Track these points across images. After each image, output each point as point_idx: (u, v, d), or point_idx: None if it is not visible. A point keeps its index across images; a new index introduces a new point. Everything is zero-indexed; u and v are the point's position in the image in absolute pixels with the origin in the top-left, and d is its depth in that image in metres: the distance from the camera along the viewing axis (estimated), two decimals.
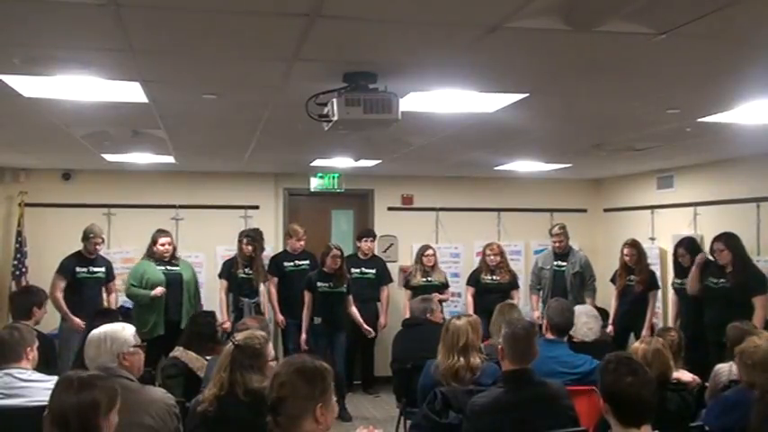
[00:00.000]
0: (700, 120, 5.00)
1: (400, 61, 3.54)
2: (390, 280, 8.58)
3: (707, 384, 4.56)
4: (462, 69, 3.70)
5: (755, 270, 6.50)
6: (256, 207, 9.05)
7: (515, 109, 4.58)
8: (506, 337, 3.73)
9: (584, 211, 9.87)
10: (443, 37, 3.13)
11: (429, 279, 8.29)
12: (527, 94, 4.23)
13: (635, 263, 7.58)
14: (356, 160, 7.59)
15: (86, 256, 7.39)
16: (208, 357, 4.64)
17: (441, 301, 7.41)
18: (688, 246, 7.06)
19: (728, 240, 6.54)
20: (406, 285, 8.40)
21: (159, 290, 7.26)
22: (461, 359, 4.38)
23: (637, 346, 4.16)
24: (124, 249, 8.58)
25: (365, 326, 7.71)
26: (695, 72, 3.74)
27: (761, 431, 2.88)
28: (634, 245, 7.65)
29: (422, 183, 9.47)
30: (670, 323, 7.32)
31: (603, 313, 7.85)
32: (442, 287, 8.32)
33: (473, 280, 8.32)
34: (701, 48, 3.24)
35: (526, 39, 3.09)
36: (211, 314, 5.36)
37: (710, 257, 6.72)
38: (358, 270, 8.23)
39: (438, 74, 3.81)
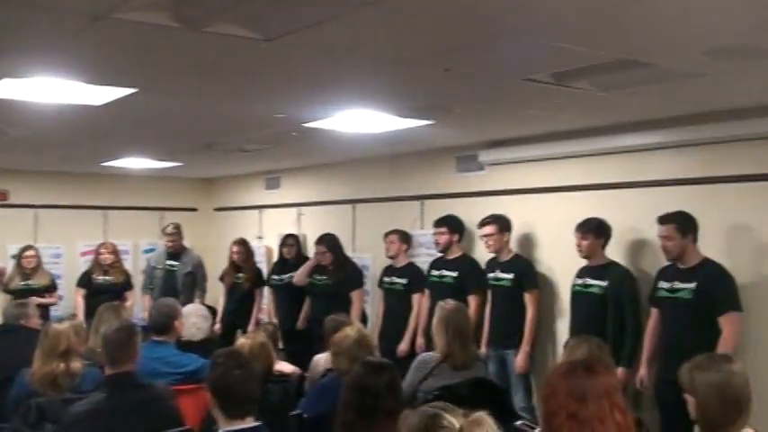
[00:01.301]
0: (304, 125, 5.30)
1: None
2: None
3: (307, 374, 4.85)
4: (66, 57, 3.47)
5: (353, 266, 7.10)
6: None
7: (124, 104, 4.42)
8: (104, 340, 3.62)
9: (195, 210, 9.90)
10: (45, 21, 2.90)
11: (28, 282, 7.65)
12: (136, 90, 4.11)
13: (243, 261, 7.79)
14: None
15: None
16: None
17: (45, 305, 6.92)
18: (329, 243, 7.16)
19: (329, 242, 7.06)
20: (5, 290, 7.67)
21: None
22: (62, 365, 4.10)
23: (243, 341, 4.27)
24: None
25: None
26: (299, 79, 3.95)
27: (343, 413, 3.13)
28: (242, 243, 7.87)
29: (19, 177, 8.73)
30: (273, 318, 7.68)
31: (213, 311, 7.95)
32: (46, 290, 7.74)
33: (84, 281, 7.89)
34: (303, 57, 3.42)
35: (134, 32, 2.99)
36: None
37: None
38: None
39: (38, 60, 3.52)
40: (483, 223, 5.85)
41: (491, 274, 5.90)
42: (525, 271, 5.76)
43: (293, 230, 8.14)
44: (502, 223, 5.81)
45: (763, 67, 3.58)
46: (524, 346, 5.60)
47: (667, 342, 4.72)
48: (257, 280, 7.87)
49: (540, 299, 5.70)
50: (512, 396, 5.42)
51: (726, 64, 3.50)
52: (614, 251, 5.26)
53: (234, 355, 3.24)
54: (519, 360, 5.59)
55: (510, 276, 5.74)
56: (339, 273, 6.95)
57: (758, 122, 4.55)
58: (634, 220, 5.28)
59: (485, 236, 5.84)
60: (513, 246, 5.95)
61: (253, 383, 3.05)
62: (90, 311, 7.01)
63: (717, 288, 4.51)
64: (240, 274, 7.80)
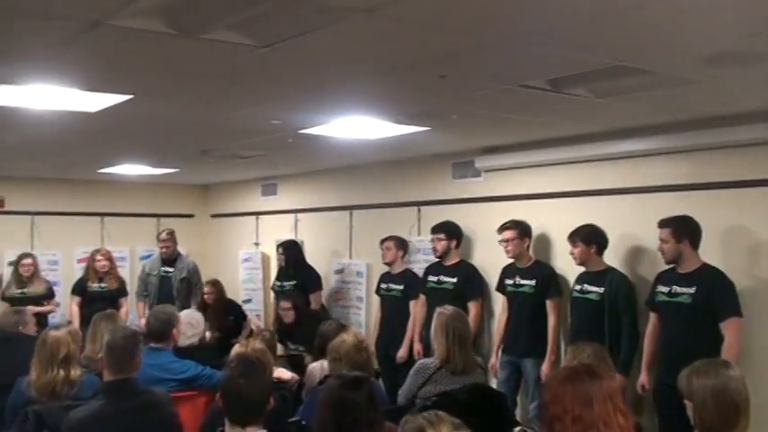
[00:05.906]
0: (300, 131, 5.30)
1: None
2: None
3: (305, 381, 4.85)
4: (62, 64, 3.47)
5: (310, 270, 7.37)
6: None
7: (120, 110, 4.42)
8: (107, 346, 3.60)
9: (192, 216, 9.89)
10: (42, 28, 2.90)
11: (24, 291, 7.57)
12: (131, 96, 4.11)
13: (214, 301, 7.75)
14: None
15: None
16: None
17: (44, 314, 6.89)
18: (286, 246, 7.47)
19: (288, 247, 7.45)
20: (2, 297, 7.62)
21: None
22: (61, 372, 4.09)
23: (237, 348, 4.23)
24: None
25: None
26: (296, 85, 3.94)
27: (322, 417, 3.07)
28: (214, 284, 7.90)
29: (16, 184, 8.73)
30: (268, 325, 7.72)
31: None
32: (43, 298, 7.67)
33: (79, 288, 7.81)
34: (300, 63, 3.42)
35: (130, 39, 2.99)
36: None
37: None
38: None
39: (34, 67, 3.52)
40: (502, 228, 5.71)
41: (509, 281, 5.76)
42: (548, 278, 5.61)
43: (290, 237, 8.13)
44: (522, 228, 5.68)
45: (759, 73, 3.59)
46: (550, 355, 5.46)
47: (666, 347, 4.72)
48: None
49: (561, 306, 5.56)
50: (509, 402, 5.39)
51: (721, 70, 3.51)
52: (612, 257, 5.26)
53: (243, 362, 3.20)
54: (545, 368, 5.43)
55: (532, 283, 5.61)
56: (300, 276, 7.20)
57: (754, 128, 4.56)
58: (631, 225, 5.28)
59: (504, 240, 5.69)
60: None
61: (256, 393, 2.99)
62: (85, 319, 6.97)
63: (717, 293, 4.50)
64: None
